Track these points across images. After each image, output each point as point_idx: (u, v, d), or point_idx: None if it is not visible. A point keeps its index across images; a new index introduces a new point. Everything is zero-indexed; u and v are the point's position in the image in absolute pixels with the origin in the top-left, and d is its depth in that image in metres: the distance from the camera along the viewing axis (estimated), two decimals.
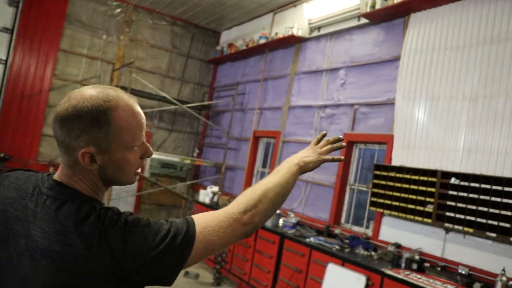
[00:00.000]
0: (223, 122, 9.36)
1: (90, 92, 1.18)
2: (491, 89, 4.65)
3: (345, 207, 6.32)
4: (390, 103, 5.77)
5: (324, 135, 1.61)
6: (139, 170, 1.30)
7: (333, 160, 1.57)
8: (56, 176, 1.24)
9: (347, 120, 6.42)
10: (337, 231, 5.99)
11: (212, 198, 7.66)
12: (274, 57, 8.19)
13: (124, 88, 7.97)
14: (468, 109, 4.82)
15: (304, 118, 7.25)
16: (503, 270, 3.99)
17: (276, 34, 7.77)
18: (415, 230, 5.09)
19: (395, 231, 5.33)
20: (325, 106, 6.86)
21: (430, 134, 5.13)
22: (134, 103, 1.23)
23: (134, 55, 8.98)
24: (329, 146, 1.56)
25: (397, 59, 5.78)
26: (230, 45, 9.09)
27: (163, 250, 1.12)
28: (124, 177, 1.26)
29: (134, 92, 8.60)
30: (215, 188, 7.81)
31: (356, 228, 6.06)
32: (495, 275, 4.22)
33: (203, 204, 7.80)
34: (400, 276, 4.25)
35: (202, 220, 1.22)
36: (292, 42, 7.61)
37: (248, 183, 8.20)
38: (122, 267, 1.10)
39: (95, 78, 8.71)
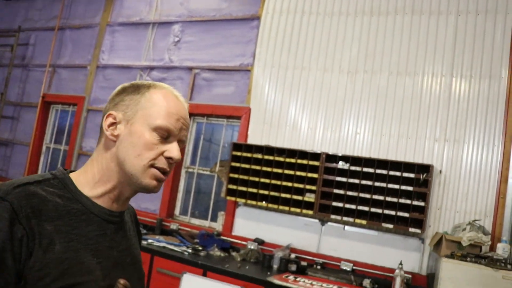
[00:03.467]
0: None
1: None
2: (372, 64, 4.21)
3: (180, 195, 5.14)
4: (244, 70, 4.84)
5: None
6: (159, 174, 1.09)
7: None
8: None
9: (184, 86, 5.21)
10: (173, 226, 4.79)
11: None
12: (76, 1, 6.25)
13: None
14: (346, 84, 4.28)
15: (120, 81, 5.50)
16: (401, 263, 3.55)
17: None
18: (280, 222, 4.34)
19: (254, 224, 4.46)
20: (151, 68, 5.47)
21: (300, 110, 4.42)
22: (179, 96, 1.15)
23: None
24: None
25: (254, 18, 4.87)
26: None
27: None
28: (136, 162, 1.07)
29: None
30: None
31: (196, 222, 4.96)
32: (381, 269, 3.82)
33: None
34: (294, 286, 3.40)
35: None
36: None
37: (34, 164, 6.09)
38: None
39: None
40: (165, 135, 1.09)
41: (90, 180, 1.09)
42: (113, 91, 1.16)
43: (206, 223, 4.91)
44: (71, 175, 1.10)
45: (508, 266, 3.12)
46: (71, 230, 1.00)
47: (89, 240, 1.03)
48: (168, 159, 1.09)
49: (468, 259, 3.10)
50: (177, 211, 5.12)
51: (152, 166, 1.08)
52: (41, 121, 6.13)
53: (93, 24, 6.03)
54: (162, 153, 1.09)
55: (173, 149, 1.10)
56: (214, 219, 4.87)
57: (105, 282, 1.03)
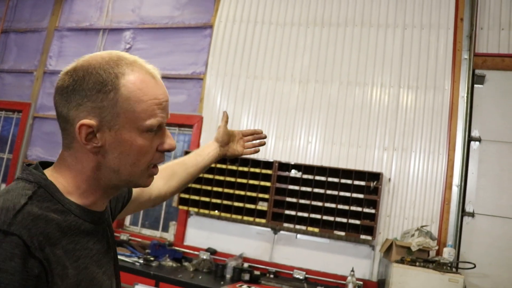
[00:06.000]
0: None
1: (101, 54, 0.93)
2: (323, 74, 4.28)
3: None
4: (197, 78, 4.80)
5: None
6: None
7: None
8: None
9: None
10: (124, 236, 4.64)
11: None
12: (22, 3, 5.98)
13: None
14: (297, 93, 4.33)
15: None
16: (352, 270, 3.61)
17: None
18: (233, 232, 4.30)
19: (206, 233, 4.40)
20: None
21: (252, 119, 4.43)
22: (155, 71, 0.96)
23: None
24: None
25: (207, 27, 4.85)
26: None
27: None
28: (133, 170, 0.94)
29: None
30: None
31: (148, 232, 4.83)
32: (333, 276, 3.86)
33: None
34: None
35: None
36: None
37: None
38: None
39: None
40: (156, 129, 0.94)
41: (75, 189, 0.93)
42: (63, 75, 0.91)
43: (157, 233, 4.78)
44: (49, 177, 0.92)
45: (454, 269, 3.24)
46: (75, 247, 0.89)
47: (91, 251, 0.94)
48: (165, 151, 0.98)
49: (417, 263, 3.19)
50: (127, 221, 4.96)
51: (149, 166, 0.97)
52: None
53: (40, 28, 5.79)
54: (156, 149, 0.96)
55: (167, 140, 0.97)
56: (165, 229, 4.76)
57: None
